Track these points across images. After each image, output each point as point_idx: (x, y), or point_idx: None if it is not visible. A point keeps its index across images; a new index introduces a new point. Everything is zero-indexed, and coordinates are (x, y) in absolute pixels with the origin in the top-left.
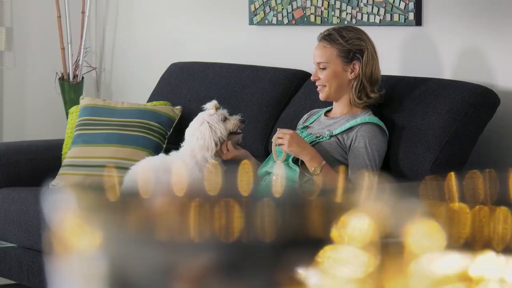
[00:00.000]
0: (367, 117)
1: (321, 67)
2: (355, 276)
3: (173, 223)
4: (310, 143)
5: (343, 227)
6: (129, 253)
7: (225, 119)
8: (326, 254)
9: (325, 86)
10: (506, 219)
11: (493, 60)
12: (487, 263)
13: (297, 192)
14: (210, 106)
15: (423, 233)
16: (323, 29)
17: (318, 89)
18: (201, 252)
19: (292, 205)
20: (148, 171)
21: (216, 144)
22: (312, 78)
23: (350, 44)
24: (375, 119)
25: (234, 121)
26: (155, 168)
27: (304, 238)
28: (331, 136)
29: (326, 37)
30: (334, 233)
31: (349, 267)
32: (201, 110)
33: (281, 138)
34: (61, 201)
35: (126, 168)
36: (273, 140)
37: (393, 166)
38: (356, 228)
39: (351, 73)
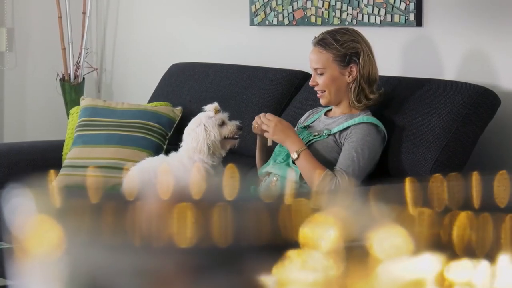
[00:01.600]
0: (365, 117)
1: (318, 72)
2: (320, 280)
3: (141, 227)
4: (308, 142)
5: (309, 232)
6: (93, 256)
7: (222, 123)
8: (291, 258)
9: (324, 91)
10: (471, 224)
11: (493, 60)
12: (454, 267)
13: (262, 196)
14: (210, 108)
15: (388, 238)
16: (324, 30)
17: (318, 94)
18: (165, 256)
19: (257, 209)
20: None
21: (209, 148)
22: (310, 83)
23: (345, 47)
24: (373, 119)
25: (230, 127)
26: (155, 169)
27: (270, 242)
28: (329, 135)
29: (321, 42)
30: (300, 237)
31: (313, 271)
32: (202, 110)
33: (266, 124)
34: (22, 204)
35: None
36: (254, 125)
37: (393, 167)
38: (321, 232)
39: (349, 76)
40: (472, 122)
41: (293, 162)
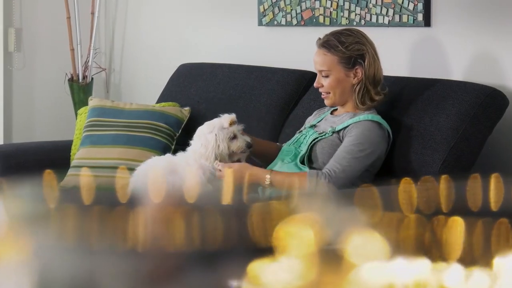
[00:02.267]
0: (369, 115)
1: (323, 74)
2: (294, 285)
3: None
4: (313, 140)
5: (283, 236)
6: (60, 262)
7: (234, 137)
8: (264, 262)
9: (329, 93)
10: (445, 227)
11: (502, 61)
12: (426, 270)
13: (238, 200)
14: (226, 119)
15: (363, 242)
16: (332, 30)
17: (323, 96)
18: (149, 259)
19: (230, 212)
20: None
21: (216, 157)
22: (315, 85)
23: (350, 50)
24: (376, 117)
25: (240, 144)
26: (161, 168)
27: (243, 247)
28: (333, 133)
29: (325, 45)
30: (274, 241)
31: (287, 275)
32: (210, 111)
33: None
34: None
35: (134, 169)
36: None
37: (401, 167)
38: (296, 236)
39: (354, 78)
40: (480, 123)
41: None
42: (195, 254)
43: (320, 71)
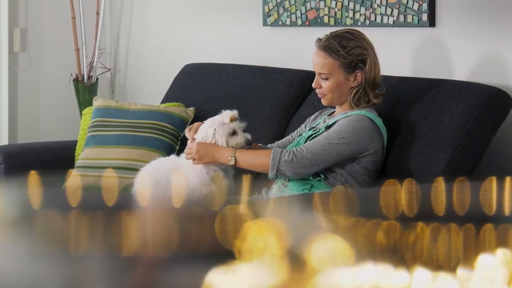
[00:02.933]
0: (362, 110)
1: (322, 77)
2: None
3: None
4: (308, 137)
5: (246, 240)
6: (32, 267)
7: (233, 133)
8: (226, 267)
9: (326, 94)
10: (413, 233)
11: (506, 61)
12: (392, 276)
13: (199, 203)
14: (227, 115)
15: (326, 247)
16: (332, 30)
17: (319, 95)
18: (103, 263)
19: (192, 216)
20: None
21: None
22: (313, 85)
23: (351, 54)
24: (369, 114)
25: (239, 139)
26: (165, 169)
27: (205, 251)
28: (326, 128)
29: (326, 48)
30: (236, 246)
31: (250, 280)
32: (215, 111)
33: (189, 154)
34: None
35: (138, 170)
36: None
37: (405, 168)
38: (258, 241)
39: (353, 81)
40: (484, 123)
41: (234, 167)
42: (164, 259)
43: (320, 73)
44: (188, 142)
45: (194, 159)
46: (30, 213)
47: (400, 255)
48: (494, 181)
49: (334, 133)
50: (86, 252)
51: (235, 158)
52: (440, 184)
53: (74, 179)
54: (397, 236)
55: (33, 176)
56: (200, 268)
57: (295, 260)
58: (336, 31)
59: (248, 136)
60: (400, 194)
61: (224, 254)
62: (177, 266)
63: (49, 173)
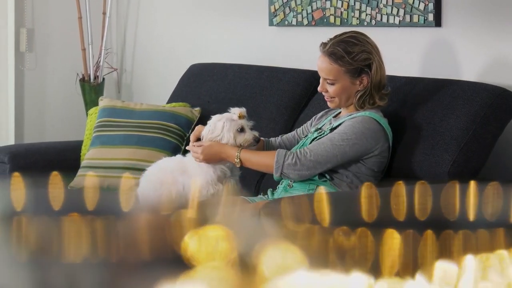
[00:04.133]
0: (367, 112)
1: (328, 82)
2: None
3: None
4: (313, 139)
5: (193, 246)
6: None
7: (241, 130)
8: (175, 274)
9: (334, 97)
10: (364, 240)
11: None
12: (347, 283)
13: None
14: (235, 111)
15: (278, 255)
16: (342, 30)
17: (326, 99)
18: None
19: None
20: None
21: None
22: (319, 89)
23: (357, 60)
24: (374, 115)
25: (247, 137)
26: (171, 169)
27: (157, 256)
28: (331, 130)
29: (332, 55)
30: (184, 252)
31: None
32: (221, 111)
33: (196, 156)
34: None
35: (143, 170)
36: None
37: (410, 168)
38: (206, 247)
39: (359, 85)
40: (490, 123)
41: (240, 166)
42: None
43: (325, 79)
44: (190, 144)
45: (199, 158)
46: (11, 215)
47: (357, 261)
48: (457, 185)
49: (338, 134)
50: (58, 257)
51: (240, 158)
52: (400, 188)
53: (80, 180)
54: (355, 242)
55: (17, 178)
56: (150, 275)
57: (245, 268)
58: (340, 35)
59: (256, 133)
60: (362, 198)
61: (173, 261)
62: (128, 274)
63: (36, 175)
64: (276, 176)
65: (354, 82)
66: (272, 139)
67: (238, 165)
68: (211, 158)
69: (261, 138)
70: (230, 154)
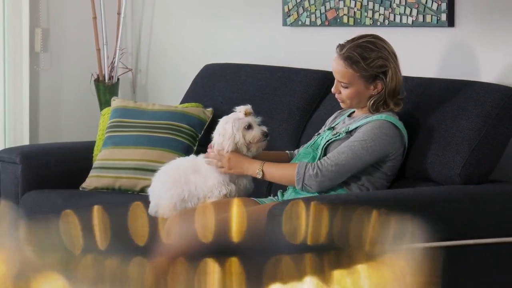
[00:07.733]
0: (383, 115)
1: (342, 85)
2: None
3: None
4: (328, 141)
5: None
6: None
7: (249, 127)
8: None
9: (346, 100)
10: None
11: None
12: None
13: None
14: (241, 110)
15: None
16: (356, 30)
17: (339, 100)
18: None
19: None
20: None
21: (234, 147)
22: (332, 90)
23: (372, 67)
24: (391, 118)
25: (256, 133)
26: (184, 169)
27: None
28: (346, 133)
29: (347, 59)
30: None
31: None
32: (233, 111)
33: (219, 161)
34: None
35: (155, 171)
36: (206, 158)
37: (421, 169)
38: None
39: (373, 90)
40: (502, 124)
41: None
42: None
43: (339, 81)
44: (211, 149)
45: (222, 167)
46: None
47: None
48: (301, 204)
49: (358, 142)
50: None
51: (262, 171)
52: (236, 207)
53: (91, 181)
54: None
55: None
56: None
57: None
58: (358, 38)
59: (264, 128)
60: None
61: None
62: None
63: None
64: (297, 188)
65: (368, 87)
66: (297, 150)
67: (259, 177)
68: (234, 167)
69: (286, 151)
70: (253, 167)
